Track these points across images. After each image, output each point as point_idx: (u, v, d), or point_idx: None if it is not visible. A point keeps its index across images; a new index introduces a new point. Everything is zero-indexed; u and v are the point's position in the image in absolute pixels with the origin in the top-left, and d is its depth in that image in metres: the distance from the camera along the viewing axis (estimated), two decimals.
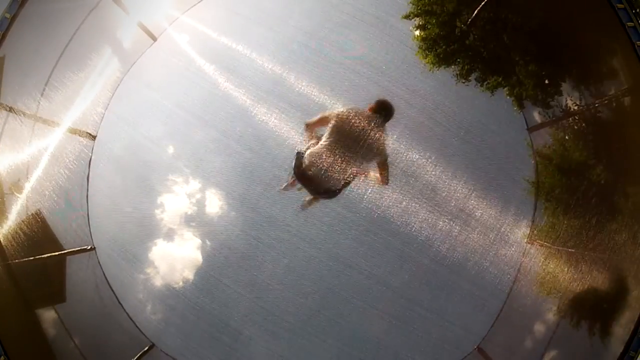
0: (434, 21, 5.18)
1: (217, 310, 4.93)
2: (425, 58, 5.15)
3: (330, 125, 4.20)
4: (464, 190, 4.99)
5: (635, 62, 4.16)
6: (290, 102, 5.03)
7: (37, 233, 4.60)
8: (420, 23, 5.21)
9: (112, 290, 4.96)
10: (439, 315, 5.00)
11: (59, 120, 4.76)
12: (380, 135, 4.20)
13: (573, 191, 4.88)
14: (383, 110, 4.31)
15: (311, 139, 4.37)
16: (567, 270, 4.70)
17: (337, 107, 4.60)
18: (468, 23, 5.06)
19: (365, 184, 4.89)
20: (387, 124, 4.37)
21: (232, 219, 5.12)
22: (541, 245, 4.95)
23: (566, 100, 4.95)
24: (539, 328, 4.84)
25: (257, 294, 4.99)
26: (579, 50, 4.76)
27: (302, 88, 5.02)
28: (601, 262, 4.53)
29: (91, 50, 4.77)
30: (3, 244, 4.38)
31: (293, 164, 4.27)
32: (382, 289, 5.04)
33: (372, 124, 4.14)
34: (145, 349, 4.84)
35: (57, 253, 4.78)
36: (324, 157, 4.13)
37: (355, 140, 4.13)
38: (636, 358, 3.91)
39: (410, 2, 5.17)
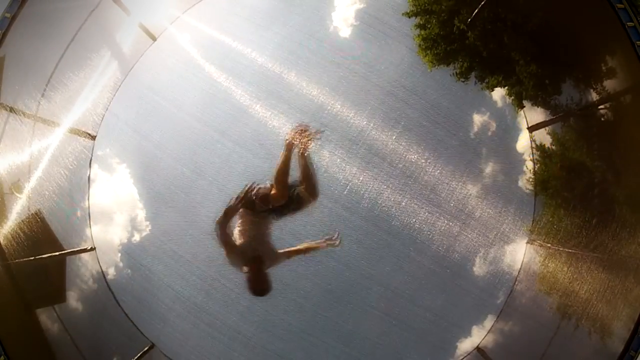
0: (433, 20, 5.18)
1: (216, 310, 4.93)
2: (425, 57, 5.15)
3: None
4: (463, 190, 4.99)
5: (635, 62, 4.14)
6: (289, 103, 5.03)
7: (37, 233, 4.60)
8: (420, 22, 5.21)
9: (112, 291, 4.96)
10: (439, 315, 4.99)
11: (59, 120, 4.76)
12: None
13: (573, 190, 4.87)
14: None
15: None
16: (567, 270, 4.68)
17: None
18: (468, 23, 5.06)
19: (365, 185, 4.89)
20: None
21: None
22: (541, 246, 4.94)
23: (566, 100, 4.95)
24: (539, 328, 4.82)
25: None
26: (579, 50, 4.74)
27: (302, 88, 5.03)
28: (601, 262, 4.51)
29: (91, 51, 4.78)
30: (3, 244, 4.37)
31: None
32: (381, 290, 5.04)
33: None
34: (145, 349, 4.84)
35: (57, 253, 4.79)
36: None
37: None
38: (636, 357, 3.89)
39: (409, 1, 5.18)
